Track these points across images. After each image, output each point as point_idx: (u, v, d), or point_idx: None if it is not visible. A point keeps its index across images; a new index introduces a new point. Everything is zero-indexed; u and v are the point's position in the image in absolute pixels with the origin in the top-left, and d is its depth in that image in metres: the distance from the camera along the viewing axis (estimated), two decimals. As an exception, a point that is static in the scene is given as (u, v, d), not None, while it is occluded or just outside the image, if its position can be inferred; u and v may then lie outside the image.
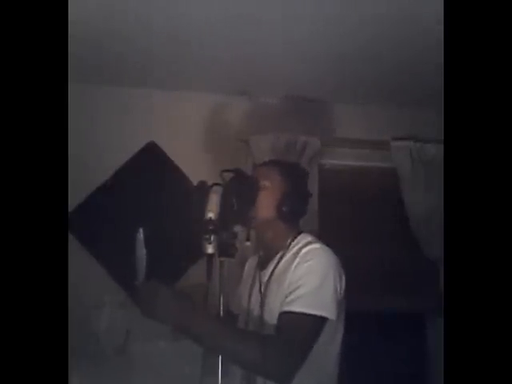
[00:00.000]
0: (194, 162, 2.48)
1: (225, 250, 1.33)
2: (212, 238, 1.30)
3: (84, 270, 2.26)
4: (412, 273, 2.73)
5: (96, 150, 2.39)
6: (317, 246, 1.42)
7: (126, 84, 2.43)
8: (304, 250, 1.41)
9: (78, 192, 2.35)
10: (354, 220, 2.72)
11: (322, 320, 1.34)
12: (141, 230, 1.34)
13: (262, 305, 1.46)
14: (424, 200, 2.60)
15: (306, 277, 1.36)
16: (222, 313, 1.33)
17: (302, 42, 2.00)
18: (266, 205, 1.48)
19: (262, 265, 1.57)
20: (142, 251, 1.33)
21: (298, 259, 1.40)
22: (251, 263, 1.70)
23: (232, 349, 1.28)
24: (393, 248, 2.73)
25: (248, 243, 1.52)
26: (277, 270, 1.48)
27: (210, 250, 1.31)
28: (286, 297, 1.36)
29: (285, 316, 1.34)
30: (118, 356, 2.09)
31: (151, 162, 2.50)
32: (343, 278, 1.43)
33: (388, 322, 2.65)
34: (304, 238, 1.50)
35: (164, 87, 2.49)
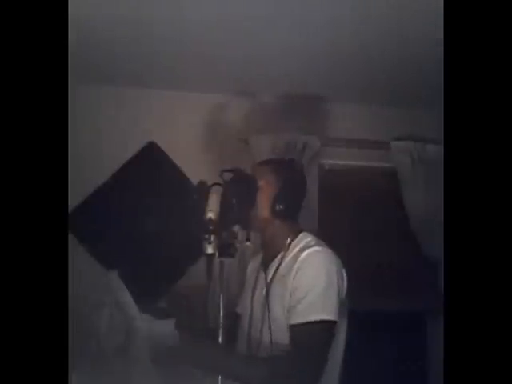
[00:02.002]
0: (194, 162, 2.48)
1: (225, 250, 1.33)
2: (212, 238, 1.30)
3: (84, 270, 2.26)
4: (412, 273, 2.73)
5: (96, 150, 2.39)
6: (316, 248, 1.42)
7: (125, 84, 2.43)
8: (303, 255, 1.40)
9: (78, 192, 2.34)
10: (354, 220, 2.72)
11: (332, 324, 1.35)
12: (113, 273, 1.35)
13: (265, 306, 1.46)
14: (424, 200, 2.60)
15: (309, 285, 1.36)
16: (221, 313, 1.33)
17: (302, 42, 2.00)
18: (263, 204, 1.48)
19: (264, 265, 1.56)
20: (124, 294, 1.34)
21: (298, 264, 1.39)
22: (254, 264, 1.70)
23: (240, 377, 1.32)
24: (393, 248, 2.73)
25: (248, 243, 1.52)
26: (279, 272, 1.47)
27: (209, 250, 1.31)
28: (294, 307, 1.36)
29: (297, 328, 1.35)
30: (118, 356, 2.09)
31: (151, 161, 2.50)
32: (345, 279, 1.43)
33: (388, 321, 2.65)
34: (304, 238, 1.49)
35: (164, 87, 2.49)
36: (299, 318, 1.34)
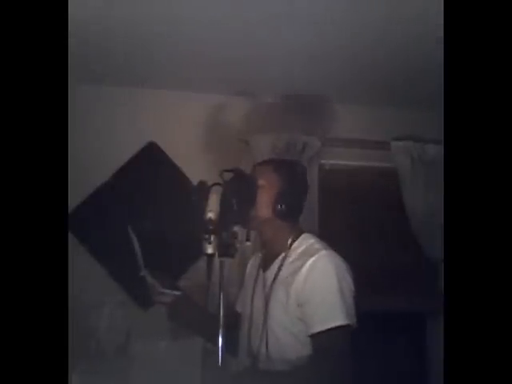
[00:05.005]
0: (194, 162, 2.48)
1: (225, 250, 1.32)
2: (212, 238, 1.30)
3: (84, 270, 2.26)
4: (412, 273, 2.73)
5: (96, 150, 2.39)
6: (323, 253, 1.41)
7: (126, 84, 2.43)
8: (311, 261, 1.39)
9: (78, 192, 2.35)
10: (354, 220, 2.72)
11: (349, 328, 1.36)
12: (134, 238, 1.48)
13: (266, 307, 1.46)
14: (424, 200, 2.60)
15: (323, 292, 1.37)
16: (221, 312, 1.32)
17: (303, 43, 2.00)
18: (263, 204, 1.47)
19: (264, 265, 1.56)
20: (136, 244, 1.47)
21: (306, 271, 1.39)
22: (253, 263, 1.70)
23: None
24: (393, 248, 2.73)
25: (248, 243, 1.52)
26: (281, 274, 1.47)
27: (209, 250, 1.31)
28: (311, 316, 1.37)
29: (317, 337, 1.36)
30: (118, 356, 2.09)
31: (151, 161, 2.50)
32: (352, 281, 1.43)
33: (388, 321, 2.65)
34: (306, 240, 1.49)
35: (164, 87, 2.48)
36: (319, 327, 1.35)
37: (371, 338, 2.56)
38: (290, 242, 1.50)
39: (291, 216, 1.51)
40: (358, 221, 2.72)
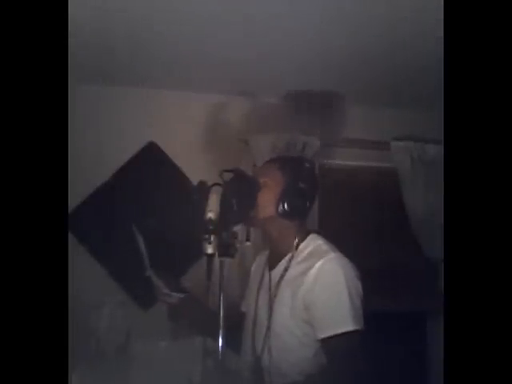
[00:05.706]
0: (194, 162, 2.48)
1: (225, 250, 1.32)
2: (212, 238, 1.30)
3: (84, 270, 2.26)
4: (412, 273, 2.73)
5: (96, 150, 2.39)
6: (332, 255, 1.40)
7: (125, 84, 2.43)
8: (320, 263, 1.38)
9: (78, 192, 2.35)
10: (354, 220, 2.72)
11: (358, 333, 1.36)
12: (140, 238, 1.48)
13: (271, 307, 1.46)
14: (424, 200, 2.60)
15: (333, 295, 1.37)
16: (222, 313, 1.32)
17: (302, 43, 2.00)
18: (266, 203, 1.46)
19: (270, 265, 1.55)
20: (142, 244, 1.47)
21: (315, 272, 1.37)
22: (259, 262, 1.68)
23: None
24: (393, 248, 2.73)
25: (248, 243, 1.51)
26: (287, 275, 1.46)
27: (209, 250, 1.30)
28: (320, 320, 1.36)
29: (329, 340, 1.35)
30: (118, 356, 2.09)
31: (151, 161, 2.50)
32: (360, 284, 1.42)
33: (387, 321, 2.65)
34: (314, 240, 1.48)
35: (164, 87, 2.48)
36: (329, 331, 1.35)
37: (371, 337, 2.55)
38: (296, 242, 1.48)
39: (297, 215, 1.48)
40: (357, 221, 2.72)
